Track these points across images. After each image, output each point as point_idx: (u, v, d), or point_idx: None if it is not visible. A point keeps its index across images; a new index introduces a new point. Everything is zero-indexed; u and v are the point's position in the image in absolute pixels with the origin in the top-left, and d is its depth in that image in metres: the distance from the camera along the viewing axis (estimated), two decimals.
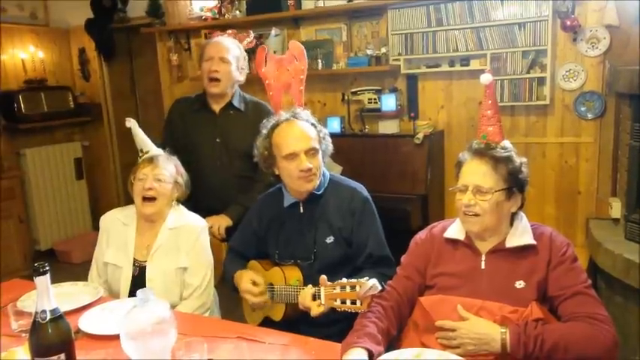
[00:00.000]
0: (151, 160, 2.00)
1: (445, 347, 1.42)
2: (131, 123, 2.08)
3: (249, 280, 1.86)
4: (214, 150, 2.51)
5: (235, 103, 2.54)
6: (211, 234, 2.40)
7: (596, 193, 3.18)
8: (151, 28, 4.38)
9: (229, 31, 3.33)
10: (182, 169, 2.10)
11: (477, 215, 1.49)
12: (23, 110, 4.59)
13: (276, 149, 1.84)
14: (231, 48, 2.50)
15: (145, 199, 1.96)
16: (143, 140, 2.07)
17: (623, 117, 2.92)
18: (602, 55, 3.05)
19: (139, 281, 1.95)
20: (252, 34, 3.20)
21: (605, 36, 3.01)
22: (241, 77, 2.57)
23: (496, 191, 1.48)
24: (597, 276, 2.77)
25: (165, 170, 2.00)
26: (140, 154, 2.05)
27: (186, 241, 1.99)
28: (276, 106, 2.23)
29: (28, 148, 4.72)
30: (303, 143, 1.80)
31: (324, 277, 1.61)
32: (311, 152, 1.81)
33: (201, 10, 4.12)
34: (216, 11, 4.05)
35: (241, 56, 2.55)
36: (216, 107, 2.54)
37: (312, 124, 1.86)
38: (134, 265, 1.99)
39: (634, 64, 2.73)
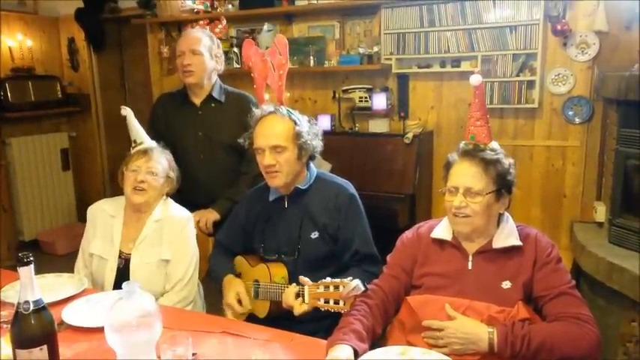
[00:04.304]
0: (145, 152, 1.99)
1: (432, 346, 1.43)
2: (127, 112, 2.06)
3: (237, 295, 1.83)
4: (197, 143, 2.50)
5: (215, 95, 2.53)
6: (198, 228, 2.39)
7: (582, 196, 3.22)
8: (142, 19, 4.34)
9: (201, 22, 3.30)
10: (174, 164, 2.09)
11: (467, 217, 1.50)
12: (10, 99, 4.53)
13: (253, 142, 1.86)
14: (201, 38, 2.48)
15: (136, 189, 1.95)
16: (138, 131, 2.05)
17: (610, 122, 2.95)
18: (591, 60, 3.08)
19: (123, 273, 1.94)
20: (224, 21, 3.16)
21: (594, 41, 3.04)
22: (218, 65, 2.55)
23: (487, 193, 1.49)
24: (580, 279, 2.80)
25: (159, 164, 1.99)
26: (133, 145, 2.03)
27: (170, 233, 1.98)
28: (260, 99, 2.23)
29: (14, 137, 4.66)
30: (268, 139, 1.80)
31: (303, 277, 1.61)
32: (277, 149, 1.80)
33: (193, 2, 4.09)
34: (208, 4, 4.02)
35: (214, 45, 2.53)
36: (197, 100, 2.53)
37: (294, 120, 1.83)
38: (119, 257, 1.98)
39: (622, 70, 2.76)
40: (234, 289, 1.85)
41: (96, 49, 5.02)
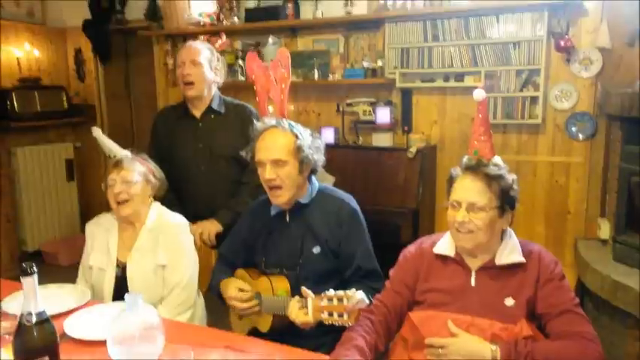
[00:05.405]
0: (117, 164, 2.01)
1: None
2: (96, 132, 2.14)
3: (236, 287, 1.85)
4: (197, 155, 2.51)
5: (215, 106, 2.54)
6: (201, 241, 2.40)
7: (586, 213, 3.21)
8: (148, 31, 4.38)
9: (202, 37, 3.36)
10: (152, 166, 2.09)
11: (470, 232, 1.50)
12: (16, 108, 4.55)
13: (255, 155, 1.86)
14: (201, 50, 2.51)
15: (119, 202, 1.96)
16: (109, 147, 2.10)
17: (614, 139, 2.96)
18: (594, 76, 3.09)
19: (122, 282, 1.95)
20: (224, 36, 3.21)
21: (597, 58, 3.06)
22: (218, 78, 2.56)
23: (490, 209, 1.49)
24: (585, 296, 2.78)
25: (132, 171, 2.00)
26: (110, 160, 2.07)
27: (166, 239, 1.99)
28: (262, 112, 2.26)
29: (19, 147, 4.67)
30: (269, 153, 1.80)
31: (306, 289, 1.61)
32: (278, 163, 1.79)
33: (200, 15, 4.13)
34: (214, 17, 4.06)
35: (214, 57, 2.55)
36: (197, 112, 2.54)
37: (295, 134, 1.83)
38: (117, 266, 1.99)
39: (625, 87, 2.77)
40: (232, 285, 1.85)
41: (102, 60, 5.05)
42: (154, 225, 2.01)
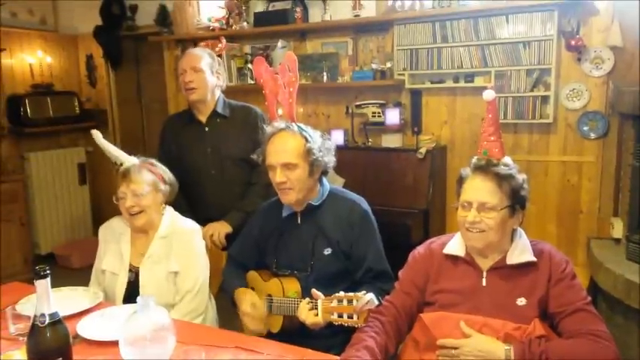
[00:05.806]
0: (124, 175, 1.99)
1: None
2: (96, 135, 2.13)
3: (250, 303, 1.85)
4: (207, 160, 2.52)
5: (220, 110, 2.55)
6: (212, 242, 2.40)
7: (598, 212, 3.18)
8: (158, 36, 4.41)
9: (202, 43, 3.39)
10: (160, 170, 2.07)
11: (481, 232, 1.49)
12: (29, 114, 4.62)
13: (266, 158, 1.87)
14: (202, 56, 2.52)
15: (132, 214, 1.97)
16: (113, 153, 2.08)
17: (626, 137, 2.93)
18: (606, 75, 3.06)
19: (134, 286, 1.96)
20: (224, 40, 3.24)
21: (609, 57, 3.03)
22: (220, 82, 2.58)
23: (502, 209, 1.49)
24: (598, 296, 2.76)
25: (141, 182, 1.98)
26: (117, 168, 2.05)
27: (178, 245, 1.99)
28: (272, 115, 2.27)
29: (32, 151, 4.75)
30: (279, 157, 1.81)
31: (316, 291, 1.61)
32: (288, 167, 1.80)
33: (209, 20, 4.16)
34: (223, 22, 4.09)
35: (214, 62, 2.57)
36: (203, 117, 2.56)
37: (305, 137, 1.83)
38: (130, 270, 2.00)
39: (637, 86, 2.74)
40: (249, 299, 1.86)
41: (113, 66, 5.11)
42: (167, 232, 2.01)
